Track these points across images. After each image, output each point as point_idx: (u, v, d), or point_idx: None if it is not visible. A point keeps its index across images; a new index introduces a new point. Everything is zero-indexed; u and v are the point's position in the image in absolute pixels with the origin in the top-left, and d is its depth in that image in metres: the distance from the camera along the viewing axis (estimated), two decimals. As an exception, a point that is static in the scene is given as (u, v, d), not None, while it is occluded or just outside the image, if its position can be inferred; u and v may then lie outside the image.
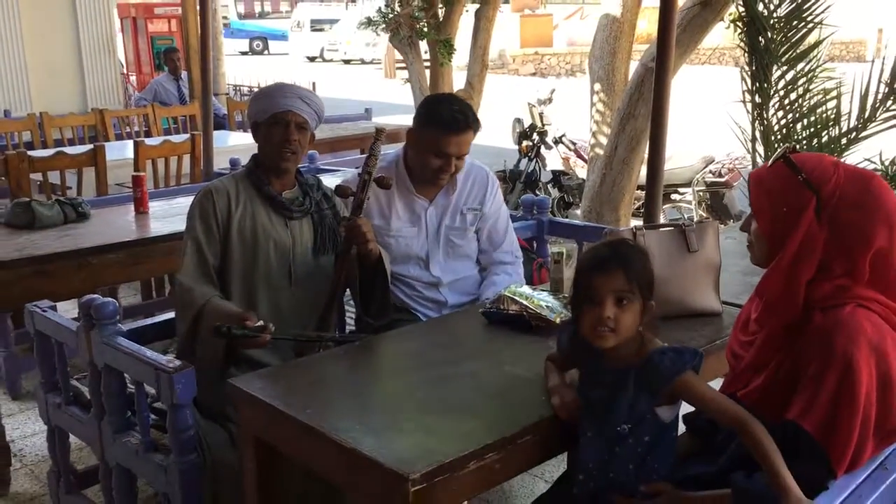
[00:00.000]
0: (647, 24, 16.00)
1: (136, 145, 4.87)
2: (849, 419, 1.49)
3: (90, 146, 4.90)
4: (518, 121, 7.35)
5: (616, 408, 1.65)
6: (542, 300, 2.23)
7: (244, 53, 31.53)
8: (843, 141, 3.82)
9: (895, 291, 1.58)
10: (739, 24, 3.98)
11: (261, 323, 2.17)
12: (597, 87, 5.15)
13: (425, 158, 2.60)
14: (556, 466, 2.88)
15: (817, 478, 1.51)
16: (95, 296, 2.34)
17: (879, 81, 3.72)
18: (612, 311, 1.61)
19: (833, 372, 1.49)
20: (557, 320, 2.13)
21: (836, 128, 3.85)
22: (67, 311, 3.33)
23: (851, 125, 3.81)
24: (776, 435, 1.52)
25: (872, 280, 1.57)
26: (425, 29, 7.06)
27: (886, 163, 3.80)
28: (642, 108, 4.43)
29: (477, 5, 7.12)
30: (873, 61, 3.87)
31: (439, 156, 2.57)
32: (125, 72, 11.15)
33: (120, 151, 5.44)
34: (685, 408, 1.71)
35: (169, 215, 3.61)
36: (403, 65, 7.84)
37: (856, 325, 1.52)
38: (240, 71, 13.38)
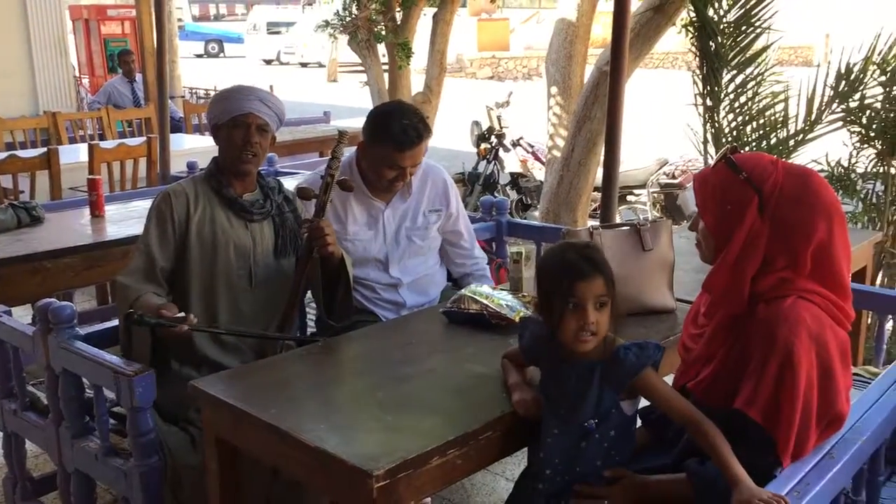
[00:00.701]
0: (602, 28, 16.20)
1: (91, 148, 4.80)
2: (790, 406, 1.54)
3: (43, 149, 4.81)
4: (476, 124, 7.40)
5: (583, 404, 1.69)
6: (502, 299, 2.27)
7: (199, 56, 31.13)
8: (791, 142, 3.92)
9: (835, 283, 1.64)
10: (691, 28, 4.06)
11: (182, 314, 2.14)
12: (553, 90, 5.22)
13: (379, 171, 2.60)
14: (517, 465, 2.92)
15: (765, 466, 1.56)
16: (52, 300, 2.32)
17: (825, 85, 3.84)
18: (595, 316, 1.65)
19: (774, 361, 1.55)
20: (517, 318, 2.17)
21: (785, 130, 3.96)
22: (22, 316, 3.27)
23: (799, 127, 3.92)
24: (723, 423, 1.57)
25: (814, 272, 1.62)
26: (383, 32, 7.07)
27: (832, 164, 3.92)
28: (598, 111, 4.51)
29: (434, 9, 7.15)
30: (819, 66, 3.99)
31: (394, 168, 2.58)
32: (78, 74, 10.95)
33: (74, 155, 5.35)
34: (642, 402, 1.76)
35: (125, 219, 3.56)
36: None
37: (796, 316, 1.57)
38: (195, 74, 13.23)
